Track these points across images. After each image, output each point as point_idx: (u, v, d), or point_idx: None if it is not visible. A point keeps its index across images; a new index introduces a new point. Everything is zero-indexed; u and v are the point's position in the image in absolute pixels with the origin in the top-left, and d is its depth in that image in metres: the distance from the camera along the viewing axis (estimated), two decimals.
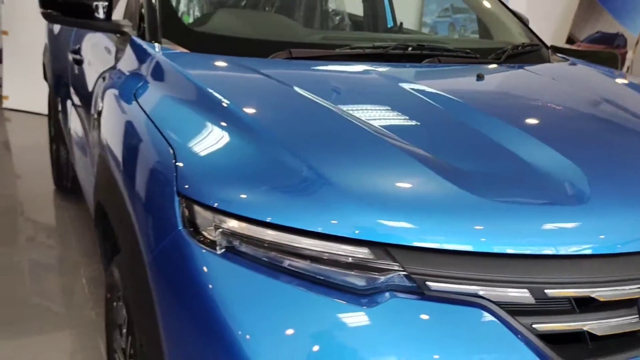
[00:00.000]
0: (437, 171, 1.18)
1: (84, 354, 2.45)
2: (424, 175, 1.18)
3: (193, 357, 1.16)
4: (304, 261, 1.11)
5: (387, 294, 1.09)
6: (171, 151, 1.28)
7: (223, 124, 1.34)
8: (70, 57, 2.71)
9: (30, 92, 5.85)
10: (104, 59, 2.18)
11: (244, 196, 1.16)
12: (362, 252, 1.10)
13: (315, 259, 1.11)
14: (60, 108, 3.41)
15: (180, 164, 1.24)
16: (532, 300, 1.10)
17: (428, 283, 1.09)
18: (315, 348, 1.06)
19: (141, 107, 1.50)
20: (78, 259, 3.20)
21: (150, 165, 1.34)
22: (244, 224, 1.14)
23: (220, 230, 1.15)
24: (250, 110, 1.41)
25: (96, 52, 2.36)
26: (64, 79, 3.16)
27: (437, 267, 1.09)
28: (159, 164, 1.30)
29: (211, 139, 1.30)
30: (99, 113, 1.88)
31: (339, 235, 1.10)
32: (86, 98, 2.44)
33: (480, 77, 1.77)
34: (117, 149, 1.55)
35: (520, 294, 1.10)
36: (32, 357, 2.39)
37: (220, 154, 1.26)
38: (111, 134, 1.65)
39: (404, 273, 1.09)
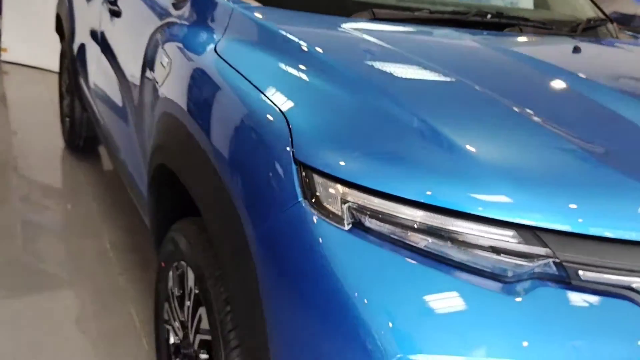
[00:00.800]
0: (586, 150, 1.08)
1: (115, 321, 2.36)
2: (573, 154, 1.08)
3: (307, 338, 1.07)
4: (443, 242, 1.01)
5: (533, 282, 1.00)
6: (281, 114, 1.16)
7: (339, 84, 1.23)
8: (106, 7, 2.53)
9: (31, 45, 5.61)
10: (154, 12, 2.03)
11: (375, 168, 1.06)
12: (508, 235, 1.00)
13: (455, 240, 1.01)
14: (80, 63, 3.23)
15: (297, 129, 1.12)
16: None
17: (581, 272, 1.00)
18: (452, 335, 0.97)
19: (230, 65, 1.37)
20: (99, 222, 3.07)
21: (255, 130, 1.22)
22: (375, 199, 1.04)
23: (349, 204, 1.04)
24: (363, 70, 1.29)
25: (142, 5, 2.20)
26: (88, 31, 2.98)
27: (591, 255, 1.00)
28: (267, 128, 1.18)
29: (328, 101, 1.18)
30: (159, 70, 1.75)
31: (483, 215, 1.00)
32: (127, 53, 2.29)
33: (577, 50, 1.67)
34: (200, 110, 1.42)
35: None
36: (60, 320, 2.29)
37: (344, 118, 1.15)
38: (187, 92, 1.52)
39: (555, 260, 1.00)
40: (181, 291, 1.74)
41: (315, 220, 1.06)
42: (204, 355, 1.59)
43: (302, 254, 1.06)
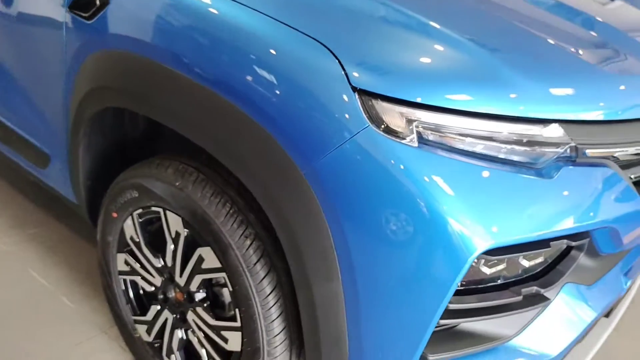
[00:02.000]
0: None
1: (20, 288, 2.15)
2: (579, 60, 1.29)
3: (388, 258, 1.16)
4: (491, 143, 1.16)
5: (557, 165, 1.22)
6: (323, 46, 1.16)
7: (378, 4, 1.25)
8: None
9: None
10: None
11: (426, 84, 1.14)
12: (541, 129, 1.19)
13: (501, 140, 1.17)
14: None
15: (346, 57, 1.14)
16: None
17: (588, 151, 1.24)
18: (518, 219, 1.16)
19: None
20: None
21: (296, 61, 1.18)
22: (431, 113, 1.14)
23: (411, 122, 1.13)
24: None
25: None
26: None
27: (593, 135, 1.25)
28: (313, 58, 1.17)
29: (370, 24, 1.20)
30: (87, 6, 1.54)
31: (517, 115, 1.17)
32: None
33: None
34: (196, 52, 1.30)
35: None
36: None
37: (393, 40, 1.18)
38: (162, 27, 1.36)
39: (572, 145, 1.22)
40: (149, 237, 1.66)
41: (384, 142, 1.12)
42: (200, 294, 1.58)
43: (375, 177, 1.13)
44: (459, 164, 1.15)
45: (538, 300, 1.35)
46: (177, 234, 1.55)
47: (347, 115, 1.14)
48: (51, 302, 2.11)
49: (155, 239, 1.70)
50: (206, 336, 1.60)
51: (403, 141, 1.13)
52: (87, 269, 2.31)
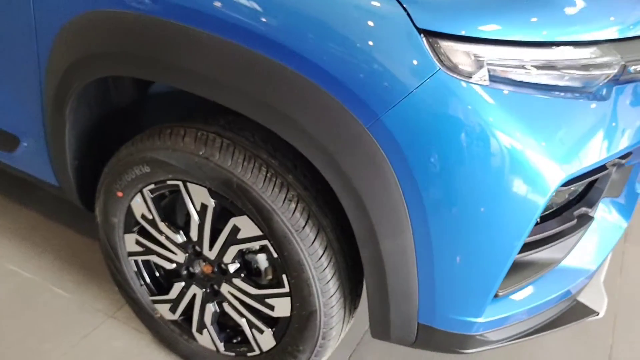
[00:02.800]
0: None
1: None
2: None
3: (472, 203, 1.12)
4: (554, 72, 1.13)
5: (609, 85, 1.21)
6: None
7: None
8: None
9: None
10: None
11: (490, 17, 1.08)
12: (594, 51, 1.17)
13: (561, 67, 1.14)
14: None
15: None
16: None
17: (632, 68, 1.24)
18: (587, 148, 1.17)
19: None
20: None
21: (353, 8, 1.07)
22: (497, 47, 1.08)
23: (480, 59, 1.07)
24: None
25: None
26: None
27: (636, 53, 1.24)
28: (371, 2, 1.07)
29: None
30: None
31: (575, 40, 1.14)
32: None
33: None
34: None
35: None
36: None
37: None
38: None
39: (622, 64, 1.21)
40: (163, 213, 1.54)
41: (456, 84, 1.06)
42: (235, 266, 1.49)
43: (449, 121, 1.07)
44: (529, 98, 1.11)
45: (585, 220, 1.38)
46: (204, 207, 1.43)
47: (415, 61, 1.06)
48: (43, 295, 1.95)
49: (172, 214, 1.59)
50: (247, 306, 1.53)
51: (474, 80, 1.07)
52: (71, 254, 2.14)
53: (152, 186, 1.49)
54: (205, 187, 1.40)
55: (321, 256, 1.35)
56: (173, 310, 1.67)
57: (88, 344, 1.79)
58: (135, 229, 1.62)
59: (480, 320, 1.28)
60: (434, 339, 1.33)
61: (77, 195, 1.71)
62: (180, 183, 1.44)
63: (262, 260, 1.53)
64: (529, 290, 1.36)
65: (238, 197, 1.35)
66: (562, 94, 1.15)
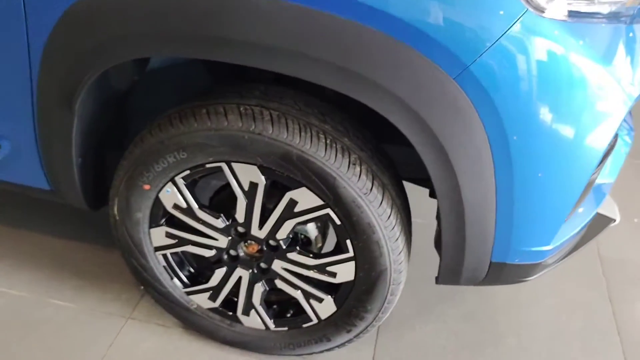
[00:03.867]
0: None
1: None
2: None
3: (558, 140, 1.16)
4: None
5: None
6: None
7: None
8: None
9: None
10: None
11: None
12: None
13: None
14: None
15: None
16: None
17: None
18: None
19: None
20: None
21: None
22: None
23: None
24: None
25: None
26: None
27: None
28: None
29: None
30: None
31: None
32: None
33: None
34: None
35: None
36: None
37: None
38: None
39: None
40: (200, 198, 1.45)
41: (542, 23, 1.07)
42: (286, 241, 1.44)
43: (539, 62, 1.08)
44: (603, 28, 1.15)
45: (615, 139, 1.48)
46: (253, 185, 1.36)
47: (503, 4, 1.05)
48: (43, 311, 1.77)
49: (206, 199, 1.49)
50: (303, 278, 1.49)
51: (557, 17, 1.09)
52: (57, 261, 1.95)
53: (186, 173, 1.38)
54: (255, 164, 1.32)
55: (389, 215, 1.34)
56: (213, 297, 1.59)
57: (117, 353, 1.66)
58: (162, 221, 1.50)
59: (549, 247, 1.35)
60: (503, 274, 1.39)
61: (82, 196, 1.54)
62: (223, 164, 1.35)
63: (312, 229, 1.50)
64: (580, 211, 1.45)
65: (298, 170, 1.29)
66: (623, 20, 1.20)
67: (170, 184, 1.41)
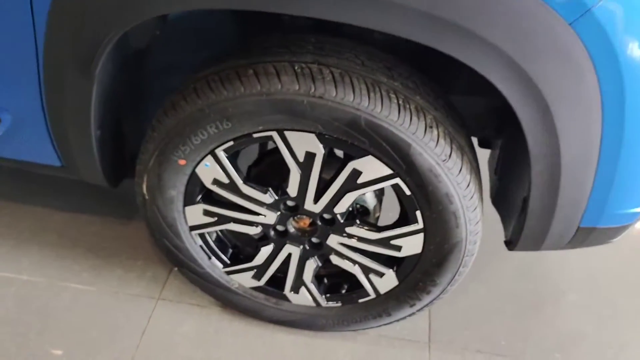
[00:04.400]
0: None
1: None
2: None
3: None
4: None
5: None
6: None
7: None
8: None
9: None
10: None
11: None
12: None
13: None
14: None
15: None
16: None
17: None
18: None
19: None
20: None
21: None
22: None
23: None
24: None
25: None
26: None
27: None
28: None
29: None
30: None
31: None
32: None
33: None
34: None
35: None
36: None
37: None
38: None
39: None
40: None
41: None
42: (344, 214, 1.28)
43: None
44: None
45: None
46: (310, 156, 1.17)
47: None
48: (61, 296, 1.59)
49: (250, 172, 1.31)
50: (362, 252, 1.33)
51: None
52: (66, 241, 1.76)
53: (229, 144, 1.19)
54: (313, 132, 1.14)
55: (469, 183, 1.18)
56: (258, 276, 1.44)
57: (153, 340, 1.51)
58: (199, 198, 1.32)
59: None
60: (589, 238, 1.26)
61: (101, 172, 1.34)
62: (274, 134, 1.16)
63: (370, 199, 1.33)
64: None
65: (366, 137, 1.11)
66: None
67: (209, 157, 1.22)
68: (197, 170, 1.25)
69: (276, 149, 1.23)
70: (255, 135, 1.17)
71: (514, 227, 1.31)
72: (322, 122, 1.11)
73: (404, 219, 1.26)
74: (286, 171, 1.24)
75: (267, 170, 1.34)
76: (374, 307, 1.44)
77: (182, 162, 1.23)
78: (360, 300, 1.44)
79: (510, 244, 1.32)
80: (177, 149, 1.21)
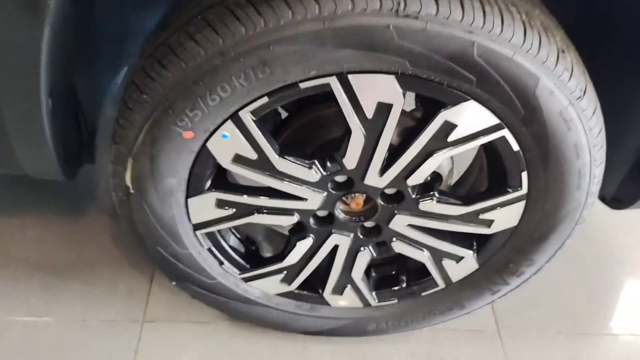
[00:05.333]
0: None
1: None
2: None
3: None
4: None
5: None
6: None
7: None
8: None
9: None
10: None
11: None
12: None
13: None
14: None
15: None
16: None
17: None
18: None
19: None
20: None
21: None
22: None
23: None
24: None
25: None
26: None
27: None
28: None
29: None
30: None
31: None
32: None
33: None
34: None
35: None
36: None
37: None
38: None
39: None
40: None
41: None
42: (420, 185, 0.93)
43: None
44: None
45: None
46: (383, 108, 0.80)
47: None
48: (8, 332, 1.15)
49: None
50: (437, 233, 1.00)
51: None
52: (6, 254, 1.29)
53: (261, 102, 0.80)
54: (393, 73, 0.77)
55: (601, 128, 0.86)
56: (289, 279, 1.07)
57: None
58: (208, 185, 0.92)
59: None
60: None
61: (55, 160, 0.90)
62: (332, 80, 0.78)
63: (445, 163, 0.99)
64: None
65: (476, 72, 0.76)
66: None
67: (229, 123, 0.82)
68: (210, 144, 0.85)
69: (309, 108, 0.86)
70: (303, 85, 0.79)
71: (623, 181, 1.02)
72: (413, 57, 0.74)
73: (501, 183, 0.93)
74: (339, 135, 0.87)
75: (302, 137, 0.96)
76: (442, 300, 1.11)
77: (188, 134, 0.83)
78: (425, 294, 1.11)
79: (621, 202, 1.03)
80: (181, 116, 0.80)
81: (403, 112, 0.86)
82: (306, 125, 0.96)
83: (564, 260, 1.09)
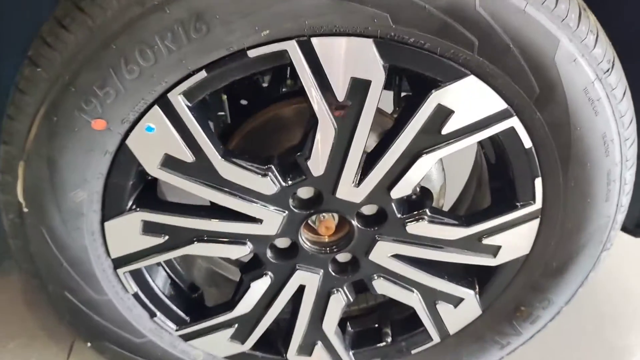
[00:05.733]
0: None
1: None
2: None
3: None
4: None
5: None
6: None
7: None
8: None
9: None
10: None
11: None
12: None
13: None
14: None
15: None
16: None
17: None
18: None
19: None
20: None
21: None
22: None
23: None
24: None
25: None
26: None
27: None
28: None
29: None
30: None
31: None
32: None
33: None
34: None
35: None
36: None
37: None
38: None
39: None
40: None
41: None
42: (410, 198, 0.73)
43: None
44: None
45: None
46: (359, 87, 0.61)
47: None
48: None
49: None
50: (429, 266, 0.78)
51: None
52: None
53: (197, 78, 0.60)
54: (370, 36, 0.59)
55: (631, 120, 0.69)
56: (242, 335, 0.83)
57: None
58: (131, 202, 0.70)
59: None
60: None
61: None
62: (290, 45, 0.59)
63: (436, 171, 0.79)
64: None
65: (478, 32, 0.59)
66: None
67: (155, 109, 0.62)
68: (130, 141, 0.64)
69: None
70: (252, 53, 0.60)
71: None
72: (396, 7, 0.57)
73: (508, 198, 0.74)
74: (299, 131, 0.68)
75: (255, 146, 0.76)
76: (437, 358, 0.88)
77: (98, 124, 0.62)
78: (415, 351, 0.88)
79: None
80: (87, 95, 0.60)
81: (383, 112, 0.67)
82: (261, 127, 0.76)
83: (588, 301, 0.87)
